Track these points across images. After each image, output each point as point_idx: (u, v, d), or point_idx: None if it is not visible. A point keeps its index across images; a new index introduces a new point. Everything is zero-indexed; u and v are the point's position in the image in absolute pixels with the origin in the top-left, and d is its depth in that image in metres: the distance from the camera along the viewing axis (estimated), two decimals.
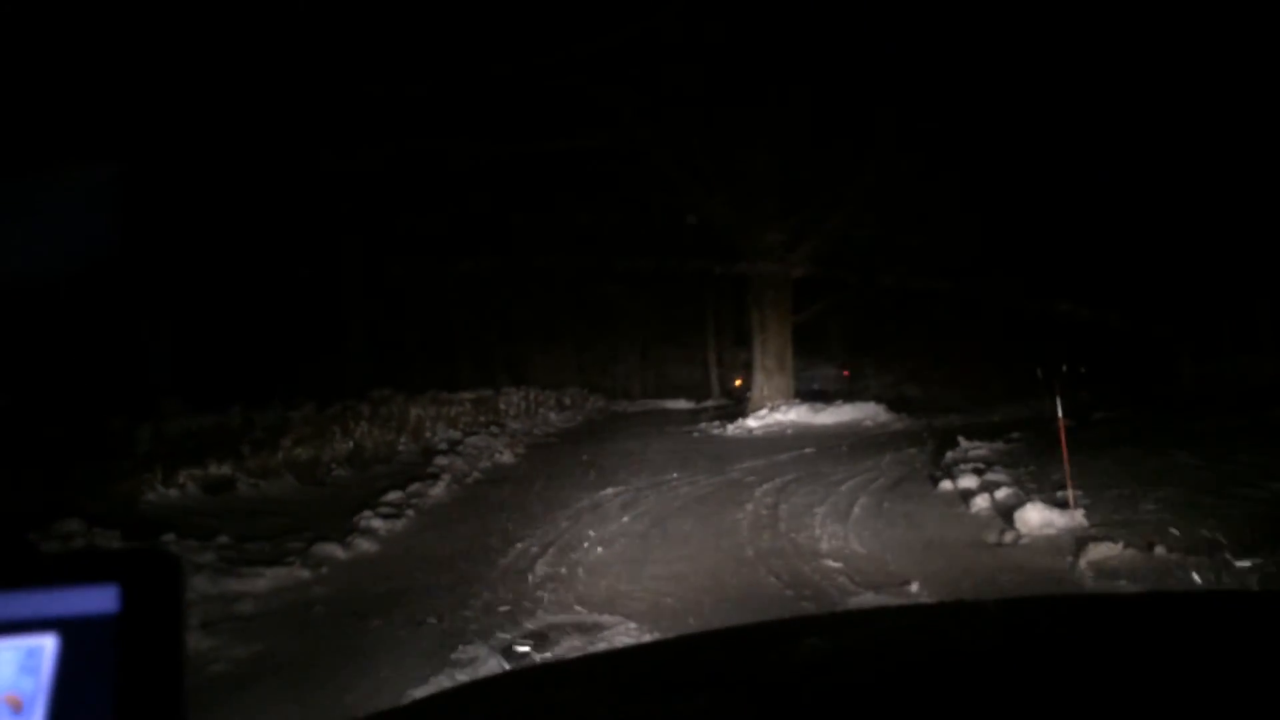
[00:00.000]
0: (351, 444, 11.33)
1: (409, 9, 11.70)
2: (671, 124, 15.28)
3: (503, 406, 18.77)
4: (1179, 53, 14.30)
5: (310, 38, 11.76)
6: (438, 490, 9.70)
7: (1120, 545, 5.44)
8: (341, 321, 17.58)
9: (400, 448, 12.90)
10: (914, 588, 5.23)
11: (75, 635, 0.51)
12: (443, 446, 12.84)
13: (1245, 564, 5.06)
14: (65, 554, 0.55)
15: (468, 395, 17.55)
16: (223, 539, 6.54)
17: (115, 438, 9.29)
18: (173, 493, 8.03)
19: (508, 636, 4.75)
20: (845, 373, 28.40)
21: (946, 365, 26.51)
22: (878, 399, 17.96)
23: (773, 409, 16.91)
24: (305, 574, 6.02)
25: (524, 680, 1.81)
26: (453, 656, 4.42)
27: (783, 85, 15.43)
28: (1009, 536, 6.27)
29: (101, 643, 0.51)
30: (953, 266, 23.39)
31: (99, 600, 0.52)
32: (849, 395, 20.51)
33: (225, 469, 8.82)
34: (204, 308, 14.00)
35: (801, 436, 14.42)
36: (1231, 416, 11.58)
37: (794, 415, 16.52)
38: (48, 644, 0.51)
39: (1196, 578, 4.92)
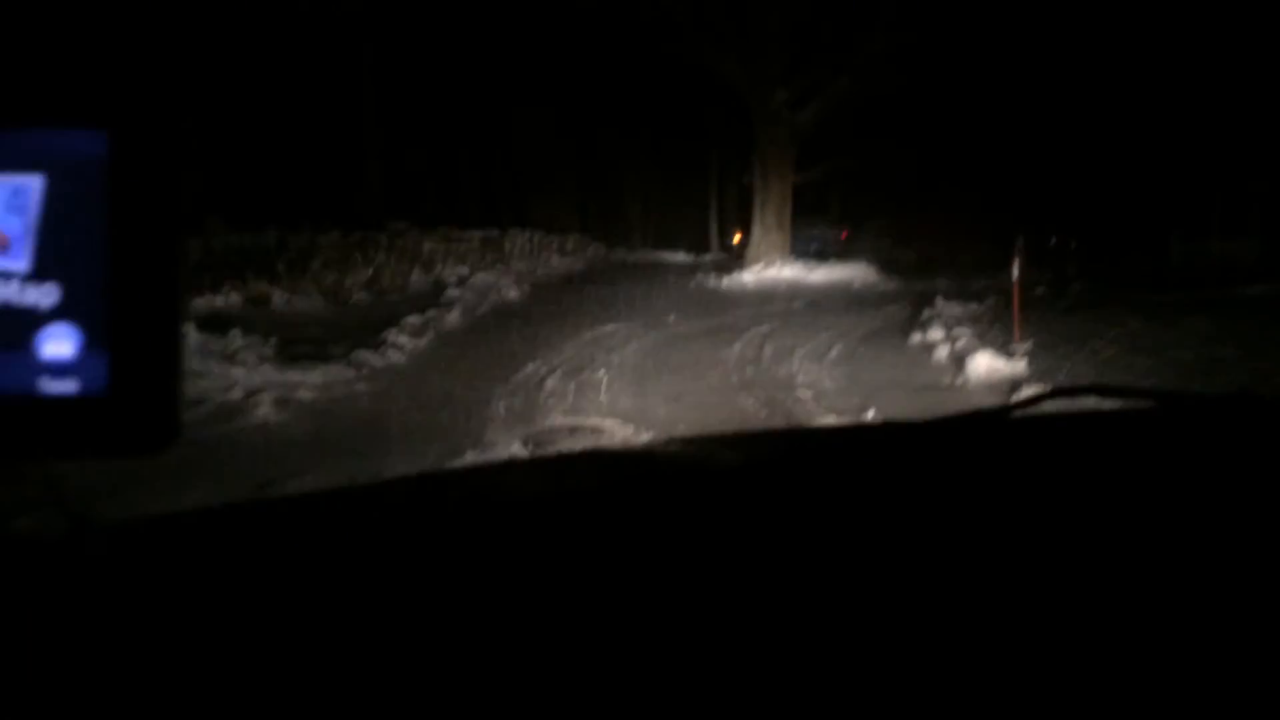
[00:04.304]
0: (371, 271, 12.16)
1: None
2: None
3: (508, 247, 19.51)
4: None
5: None
6: (452, 317, 10.58)
7: (1047, 387, 6.37)
8: (358, 152, 18.11)
9: (413, 279, 13.73)
10: (870, 415, 6.17)
11: (62, 176, 0.51)
12: (453, 280, 13.67)
13: None
14: (49, 93, 0.52)
15: (476, 234, 18.23)
16: (274, 340, 7.48)
17: None
18: (219, 301, 8.91)
19: (525, 430, 5.69)
20: (843, 234, 28.96)
21: (945, 231, 27.07)
22: (873, 261, 18.63)
23: (768, 265, 17.62)
24: (350, 373, 6.99)
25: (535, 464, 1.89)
26: (483, 440, 5.37)
27: None
28: (959, 380, 7.21)
29: (91, 185, 0.51)
30: (956, 135, 23.79)
31: (85, 142, 0.51)
32: (845, 256, 21.16)
33: (263, 285, 9.68)
34: (236, 130, 14.56)
35: (793, 292, 15.22)
36: (1200, 291, 12.40)
37: (789, 272, 17.26)
38: (33, 184, 0.51)
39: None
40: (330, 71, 17.45)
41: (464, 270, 15.03)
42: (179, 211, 0.53)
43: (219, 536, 0.83)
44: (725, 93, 19.61)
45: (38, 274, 0.51)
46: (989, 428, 1.26)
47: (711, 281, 16.86)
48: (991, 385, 6.93)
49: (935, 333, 9.10)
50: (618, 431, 5.70)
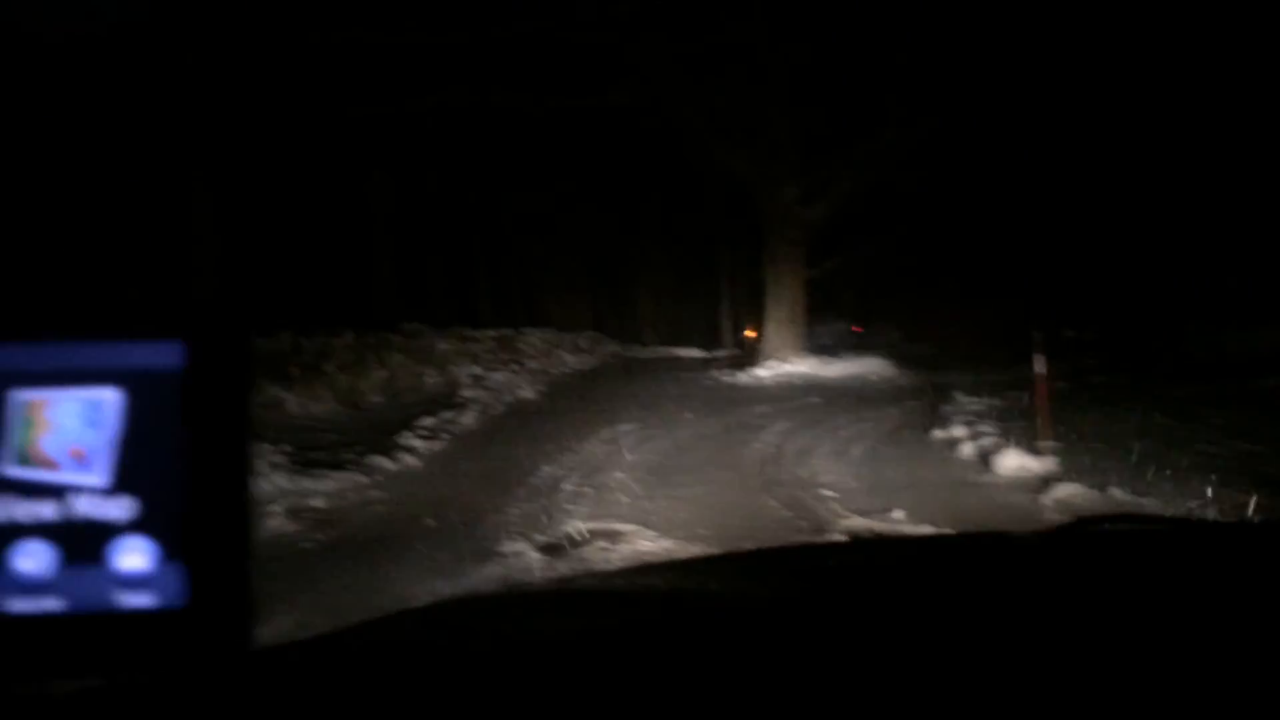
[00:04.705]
0: (387, 373, 12.13)
1: None
2: (699, 80, 15.79)
3: (522, 346, 19.55)
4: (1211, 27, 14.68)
5: None
6: (467, 419, 10.48)
7: (1081, 487, 6.19)
8: (371, 256, 18.31)
9: (428, 379, 13.68)
10: (897, 515, 5.98)
11: (139, 389, 0.52)
12: (468, 380, 13.60)
13: (1192, 504, 5.81)
14: (131, 307, 0.54)
15: (490, 334, 18.32)
16: (287, 447, 7.36)
17: None
18: None
19: (543, 537, 5.52)
20: (856, 328, 29.02)
21: (955, 325, 27.09)
22: (887, 355, 18.58)
23: (783, 360, 17.58)
24: (363, 479, 6.85)
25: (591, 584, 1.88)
26: (498, 549, 5.21)
27: (804, 45, 15.91)
28: (986, 478, 7.03)
29: (166, 398, 0.52)
30: (965, 227, 23.96)
31: (163, 355, 0.52)
32: (858, 350, 21.14)
33: (277, 389, 9.63)
34: (251, 235, 14.76)
35: (810, 387, 15.11)
36: (1221, 383, 12.25)
37: (804, 367, 17.21)
38: (111, 397, 0.52)
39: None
40: (343, 178, 17.76)
41: (478, 370, 14.99)
42: (251, 423, 0.54)
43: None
44: (735, 188, 19.84)
45: (115, 488, 0.52)
46: (1028, 553, 1.24)
47: (726, 377, 16.79)
48: (1021, 483, 6.75)
49: (958, 429, 8.95)
50: (637, 537, 5.52)
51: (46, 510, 0.52)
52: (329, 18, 12.08)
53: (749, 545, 4.96)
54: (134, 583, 0.51)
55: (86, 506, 0.51)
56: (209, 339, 0.53)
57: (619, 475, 7.48)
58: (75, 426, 0.52)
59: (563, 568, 4.94)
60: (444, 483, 7.20)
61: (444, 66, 13.76)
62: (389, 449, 8.01)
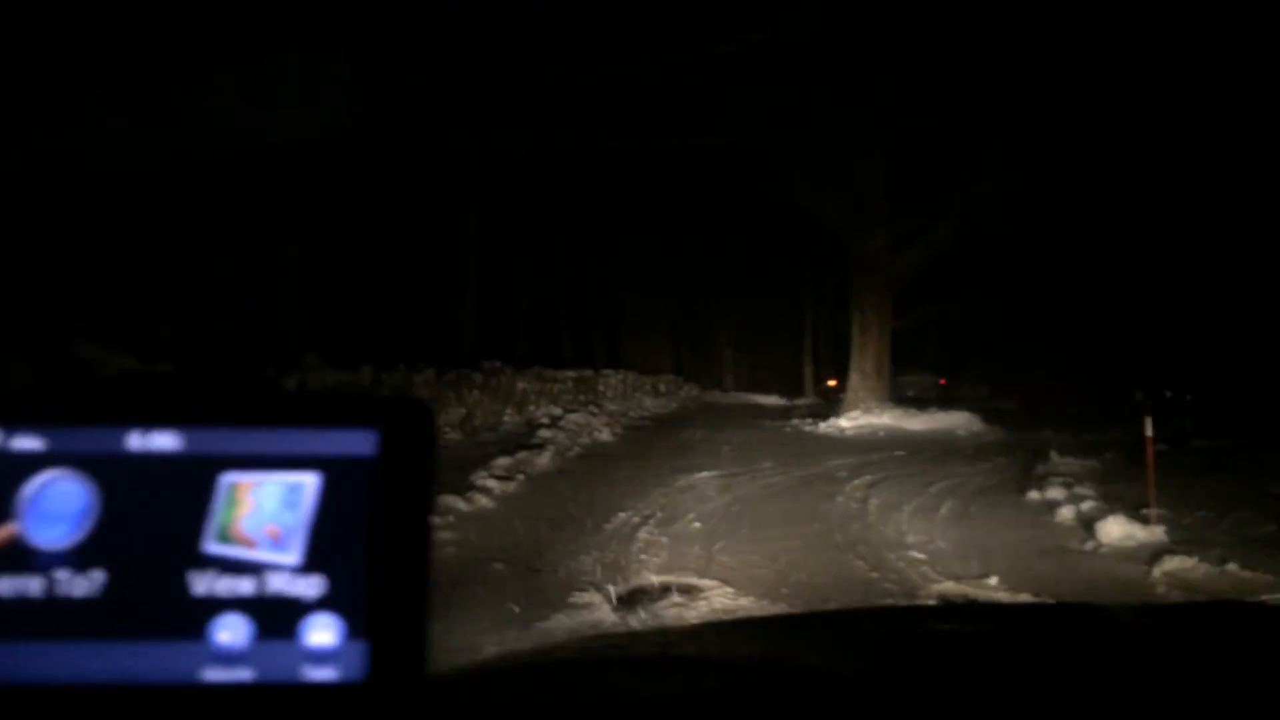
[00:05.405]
0: (465, 411, 12.07)
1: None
2: (793, 125, 15.63)
3: (601, 388, 19.44)
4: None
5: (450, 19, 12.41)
6: (543, 460, 10.33)
7: (1195, 559, 5.73)
8: (456, 293, 18.43)
9: (506, 418, 13.61)
10: (992, 581, 5.61)
11: (336, 474, 0.55)
12: (545, 420, 13.50)
13: None
14: (331, 398, 0.57)
15: (569, 374, 18.22)
16: None
17: None
18: None
19: (616, 588, 5.28)
20: (942, 381, 28.36)
21: (1047, 382, 26.29)
22: (973, 410, 18.02)
23: (866, 411, 17.14)
24: (435, 520, 6.70)
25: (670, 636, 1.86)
26: (569, 600, 4.98)
27: (899, 93, 15.65)
28: (1089, 545, 6.58)
29: (359, 483, 0.55)
30: (1058, 283, 23.28)
31: (359, 443, 0.55)
32: (944, 404, 20.56)
33: None
34: (338, 269, 14.95)
35: (893, 440, 14.67)
36: None
37: (887, 419, 16.74)
38: (310, 481, 0.55)
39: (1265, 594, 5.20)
40: (432, 213, 17.95)
41: (556, 410, 14.89)
42: (433, 507, 0.57)
43: None
44: (822, 235, 19.56)
45: (306, 567, 0.55)
46: (1133, 632, 1.19)
47: (808, 427, 16.43)
48: (1127, 553, 6.29)
49: (1055, 491, 8.48)
50: (714, 593, 5.25)
51: (245, 586, 0.54)
52: (432, 54, 12.21)
53: (833, 608, 4.66)
54: (321, 657, 0.54)
55: (280, 584, 0.54)
56: (401, 428, 0.56)
57: (696, 525, 7.23)
58: (274, 508, 0.55)
59: (634, 623, 4.70)
60: (517, 526, 7.02)
61: (538, 103, 13.81)
62: (463, 489, 7.88)
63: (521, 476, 9.12)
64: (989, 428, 16.47)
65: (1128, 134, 15.15)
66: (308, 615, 0.54)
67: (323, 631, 0.54)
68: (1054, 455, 11.00)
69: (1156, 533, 6.57)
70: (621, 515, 7.52)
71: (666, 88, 13.31)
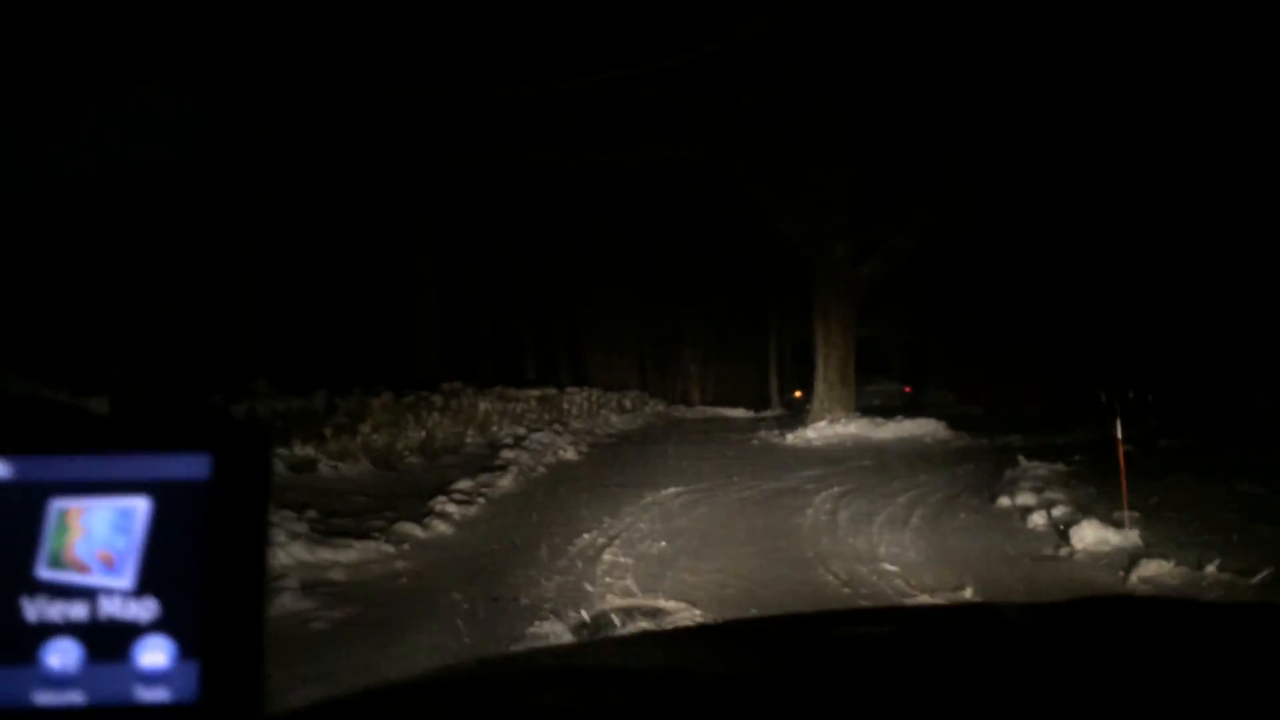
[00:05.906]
0: (424, 433, 11.77)
1: (505, 16, 12.05)
2: (751, 137, 15.53)
3: (566, 406, 19.13)
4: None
5: (401, 38, 12.20)
6: (506, 482, 10.06)
7: (1172, 563, 5.60)
8: (415, 315, 18.13)
9: (468, 439, 13.30)
10: (967, 593, 5.43)
11: (167, 498, 0.54)
12: (508, 441, 13.22)
13: None
14: (161, 422, 0.56)
15: (533, 393, 17.94)
16: (312, 513, 6.97)
17: None
18: None
19: (579, 615, 5.05)
20: (907, 389, 28.36)
21: (1011, 386, 26.35)
22: (939, 416, 17.96)
23: (833, 421, 17.03)
24: (389, 549, 6.42)
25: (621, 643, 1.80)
26: (529, 631, 4.75)
27: (858, 105, 15.62)
28: (1064, 551, 6.44)
29: (191, 507, 0.54)
30: (1019, 288, 23.38)
31: (191, 467, 0.55)
32: (910, 411, 20.51)
33: (309, 450, 9.29)
34: (288, 297, 14.61)
35: (861, 449, 14.55)
36: None
37: (854, 428, 16.64)
38: (141, 505, 0.54)
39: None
40: (387, 238, 17.67)
41: (520, 430, 14.60)
42: (268, 529, 0.57)
43: None
44: (784, 246, 19.47)
45: (138, 590, 0.54)
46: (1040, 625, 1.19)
47: (775, 439, 16.27)
48: (1103, 558, 6.15)
49: (1025, 495, 8.36)
50: (682, 617, 5.04)
51: (77, 610, 0.54)
52: (373, 73, 11.97)
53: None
54: (153, 679, 0.53)
55: (113, 607, 0.54)
56: (234, 452, 0.55)
57: (662, 544, 7.00)
58: (106, 533, 0.54)
59: None
60: (476, 552, 6.75)
61: (489, 122, 13.61)
62: (420, 515, 7.60)
63: (483, 500, 8.85)
64: (956, 434, 16.41)
65: (1083, 138, 15.19)
66: (141, 638, 0.54)
67: (155, 653, 0.54)
68: (1022, 460, 10.89)
69: (1131, 536, 6.44)
70: (586, 536, 7.28)
71: (621, 102, 13.17)
